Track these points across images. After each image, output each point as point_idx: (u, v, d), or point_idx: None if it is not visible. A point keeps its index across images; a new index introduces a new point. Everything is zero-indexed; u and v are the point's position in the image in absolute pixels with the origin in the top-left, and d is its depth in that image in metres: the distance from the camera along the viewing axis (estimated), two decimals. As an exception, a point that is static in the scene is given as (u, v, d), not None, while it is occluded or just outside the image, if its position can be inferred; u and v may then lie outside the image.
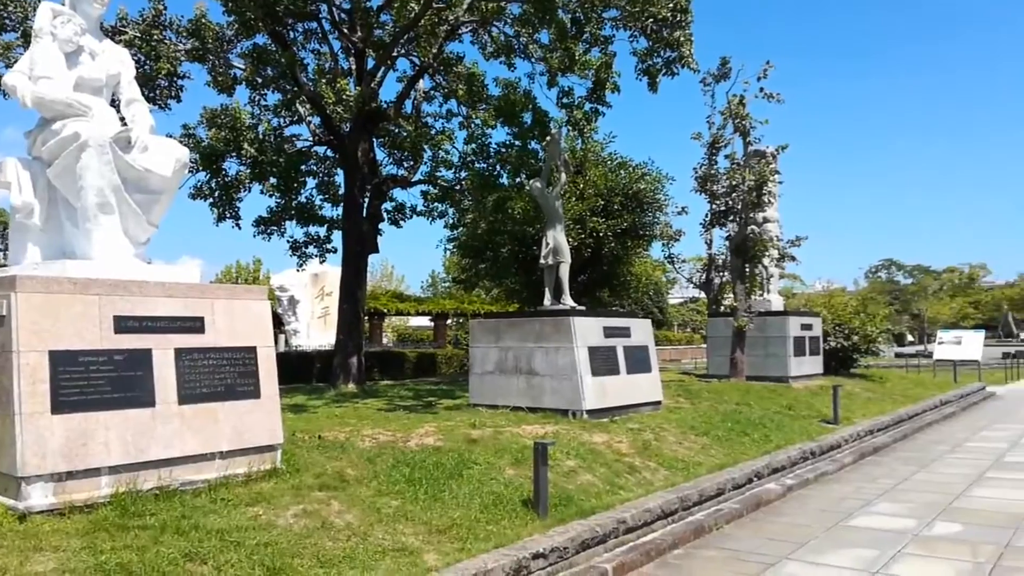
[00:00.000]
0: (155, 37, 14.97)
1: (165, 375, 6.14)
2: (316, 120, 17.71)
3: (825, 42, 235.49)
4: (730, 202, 18.65)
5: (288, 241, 18.74)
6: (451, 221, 20.08)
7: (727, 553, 6.98)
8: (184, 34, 15.43)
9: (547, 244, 12.43)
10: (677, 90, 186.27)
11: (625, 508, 7.20)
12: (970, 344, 30.10)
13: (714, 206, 19.03)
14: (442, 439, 8.58)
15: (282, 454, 7.04)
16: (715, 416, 12.32)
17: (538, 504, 6.69)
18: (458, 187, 18.59)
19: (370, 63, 17.13)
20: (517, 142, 16.87)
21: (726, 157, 18.84)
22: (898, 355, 46.30)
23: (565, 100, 16.63)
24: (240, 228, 17.98)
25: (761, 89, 17.90)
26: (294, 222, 18.46)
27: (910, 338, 74.76)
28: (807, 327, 19.36)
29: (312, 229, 18.79)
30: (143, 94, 7.72)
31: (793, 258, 20.41)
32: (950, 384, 23.83)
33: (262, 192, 17.42)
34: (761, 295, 19.99)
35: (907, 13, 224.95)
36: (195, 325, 6.45)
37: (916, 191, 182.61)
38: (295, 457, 7.24)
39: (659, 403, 12.53)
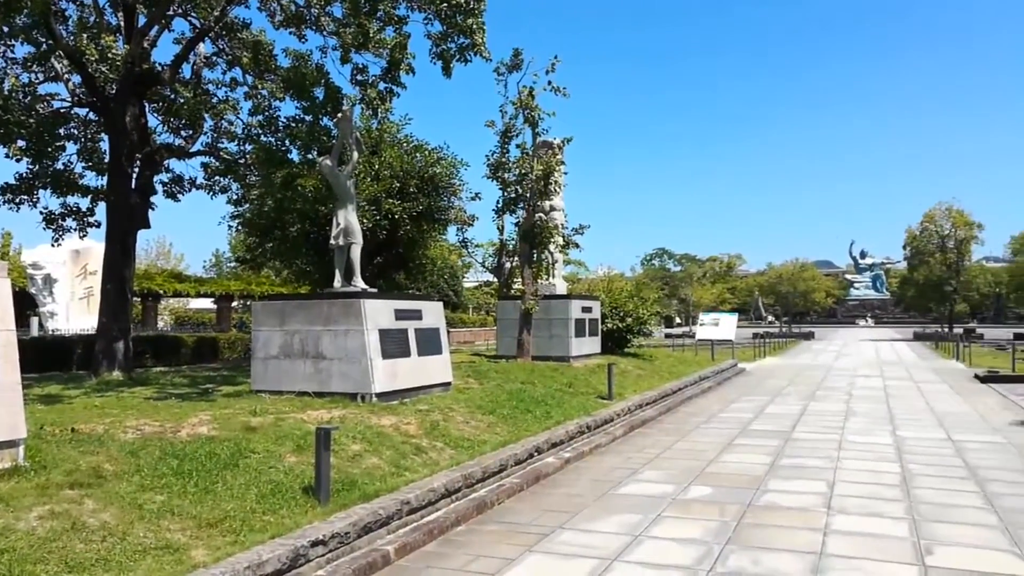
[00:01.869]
0: None
1: None
2: (76, 79, 15.82)
3: (610, 48, 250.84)
4: (520, 190, 19.32)
5: (42, 213, 16.64)
6: (235, 196, 18.90)
7: (507, 526, 7.27)
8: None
9: (338, 224, 12.11)
10: (473, 77, 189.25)
11: (410, 489, 7.24)
12: (726, 326, 33.65)
13: (505, 193, 19.63)
14: (217, 428, 8.09)
15: (25, 450, 6.27)
16: (501, 395, 12.74)
17: (319, 491, 6.53)
18: (243, 161, 17.51)
19: (142, 20, 15.59)
20: (308, 117, 16.18)
21: (517, 146, 19.48)
22: (667, 336, 50.72)
23: (359, 78, 16.20)
24: (-20, 196, 15.68)
25: (549, 82, 18.72)
26: (49, 191, 16.41)
27: (678, 320, 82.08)
28: (587, 310, 20.58)
29: (72, 200, 16.82)
30: None
31: (577, 245, 21.62)
32: (708, 362, 26.53)
33: (8, 156, 15.29)
34: (547, 279, 20.93)
35: (688, 28, 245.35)
36: (-90, 306, 5.54)
37: (687, 187, 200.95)
38: (42, 453, 6.47)
39: (449, 384, 12.73)
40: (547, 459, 9.94)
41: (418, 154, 21.25)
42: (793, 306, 78.16)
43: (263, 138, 16.80)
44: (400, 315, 11.71)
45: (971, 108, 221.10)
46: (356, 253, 12.16)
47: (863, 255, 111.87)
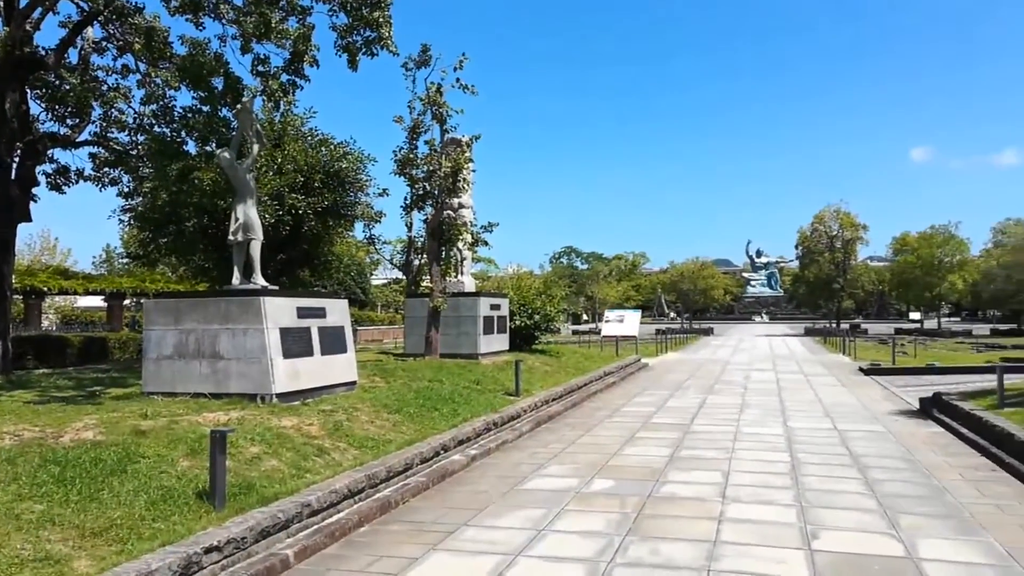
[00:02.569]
0: None
1: None
2: (-53, 61, 14.67)
3: (520, 47, 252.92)
4: (428, 187, 19.21)
5: (-95, 204, 15.34)
6: (126, 189, 17.97)
7: (411, 525, 7.21)
8: None
9: (236, 219, 11.69)
10: (381, 71, 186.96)
11: (311, 491, 7.08)
12: (630, 322, 34.46)
13: (414, 190, 19.46)
14: (104, 432, 7.67)
15: None
16: (408, 393, 12.64)
17: (215, 495, 6.31)
18: (135, 152, 16.67)
19: (24, 1, 14.60)
20: (205, 107, 15.54)
21: (426, 143, 19.35)
22: (574, 332, 51.62)
23: (260, 68, 15.66)
24: None
25: (458, 80, 18.68)
26: (-86, 181, 15.14)
27: (585, 317, 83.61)
28: (496, 307, 20.67)
29: (-59, 191, 15.58)
30: None
31: (486, 243, 21.62)
32: (613, 358, 27.13)
33: None
34: (456, 277, 20.90)
35: (596, 28, 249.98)
36: None
37: (595, 187, 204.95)
38: (-97, 465, 5.99)
39: (354, 383, 12.52)
40: (454, 457, 9.92)
41: (323, 148, 20.78)
42: (694, 303, 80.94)
43: (157, 128, 16.06)
44: (303, 313, 11.43)
45: (857, 114, 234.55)
46: (256, 249, 11.78)
47: (759, 254, 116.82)
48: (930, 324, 66.38)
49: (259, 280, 11.66)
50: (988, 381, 16.38)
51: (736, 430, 12.68)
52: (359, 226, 23.19)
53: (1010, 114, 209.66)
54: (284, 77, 15.38)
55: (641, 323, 36.77)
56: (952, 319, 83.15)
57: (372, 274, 68.07)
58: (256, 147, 12.50)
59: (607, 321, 35.58)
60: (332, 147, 20.87)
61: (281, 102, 15.76)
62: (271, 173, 18.97)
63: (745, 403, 16.43)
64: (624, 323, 34.04)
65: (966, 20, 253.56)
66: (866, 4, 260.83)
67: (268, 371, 10.37)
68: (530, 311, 22.82)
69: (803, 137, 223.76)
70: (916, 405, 15.22)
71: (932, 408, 14.14)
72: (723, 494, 8.26)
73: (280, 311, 10.90)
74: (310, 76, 15.48)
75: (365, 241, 23.58)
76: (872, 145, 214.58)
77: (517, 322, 22.35)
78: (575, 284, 78.52)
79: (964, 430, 11.69)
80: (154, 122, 16.07)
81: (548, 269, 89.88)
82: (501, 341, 20.86)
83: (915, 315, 73.36)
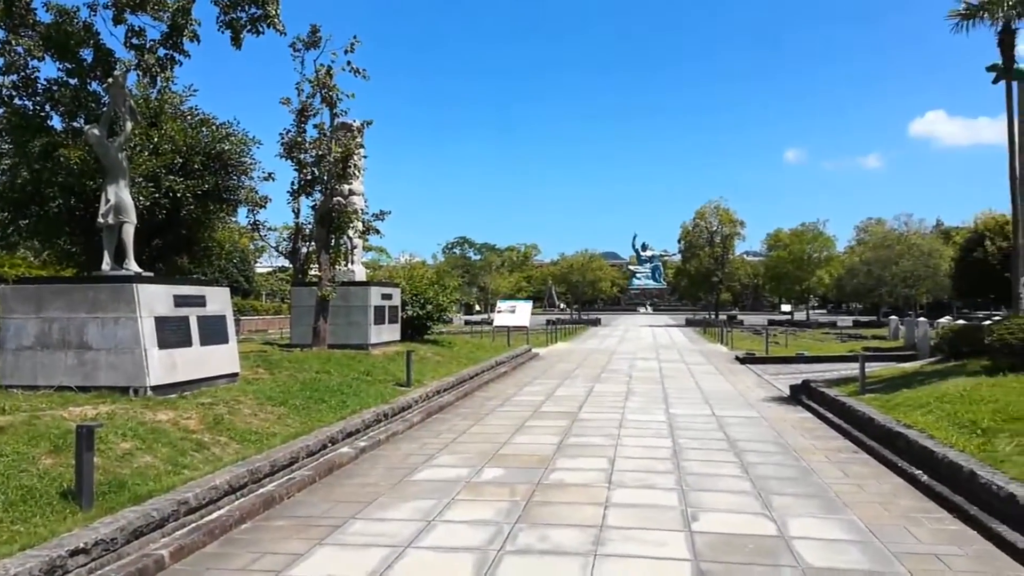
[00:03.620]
0: None
1: None
2: None
3: (415, 34, 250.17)
4: (317, 172, 18.67)
5: None
6: (-20, 167, 16.51)
7: (297, 520, 7.01)
8: None
9: (107, 201, 10.96)
10: (268, 51, 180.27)
11: (189, 488, 6.75)
12: (522, 313, 34.87)
13: (302, 175, 18.86)
14: (-47, 430, 7.04)
15: None
16: (294, 385, 12.28)
17: (81, 495, 5.91)
18: (-9, 125, 15.31)
19: None
20: (73, 80, 14.48)
21: (315, 127, 18.77)
22: (467, 323, 51.68)
23: (135, 41, 14.69)
24: None
25: (349, 63, 18.22)
26: None
27: (477, 307, 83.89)
28: (387, 297, 20.39)
29: None
30: None
31: (377, 231, 21.27)
32: (505, 347, 27.36)
33: None
34: (345, 266, 20.45)
35: (495, 17, 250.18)
36: None
37: (486, 179, 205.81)
38: None
39: (236, 375, 12.04)
40: (342, 449, 9.71)
41: (204, 128, 19.75)
42: (583, 294, 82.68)
43: (17, 101, 14.81)
44: (180, 301, 10.85)
45: (736, 115, 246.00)
46: (129, 233, 11.08)
47: (644, 247, 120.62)
48: (800, 316, 70.67)
49: (132, 266, 10.99)
50: (851, 369, 17.63)
51: (622, 417, 13.06)
52: (243, 211, 22.26)
53: (875, 120, 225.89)
54: (161, 51, 14.52)
55: (532, 313, 37.27)
56: (819, 311, 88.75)
57: (256, 262, 65.71)
58: (129, 124, 11.76)
59: (499, 311, 35.83)
60: (214, 128, 19.87)
61: (158, 78, 14.87)
62: (146, 153, 17.89)
63: (630, 391, 16.94)
64: (516, 313, 34.39)
65: (841, 24, 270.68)
66: (743, 5, 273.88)
67: (142, 362, 9.79)
68: (422, 301, 22.65)
69: (687, 135, 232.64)
70: (787, 392, 16.17)
71: (801, 394, 15.06)
72: (609, 480, 8.48)
73: (155, 299, 10.31)
74: (190, 52, 14.70)
75: (249, 227, 22.62)
76: (750, 145, 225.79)
77: (409, 312, 22.14)
78: (468, 275, 78.64)
79: (829, 415, 12.51)
80: (14, 94, 14.80)
81: (441, 259, 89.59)
82: (392, 331, 20.60)
83: (786, 307, 77.90)
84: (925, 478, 8.03)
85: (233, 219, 25.20)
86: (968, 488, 7.18)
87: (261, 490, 7.58)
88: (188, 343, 10.80)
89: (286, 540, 6.44)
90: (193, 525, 6.37)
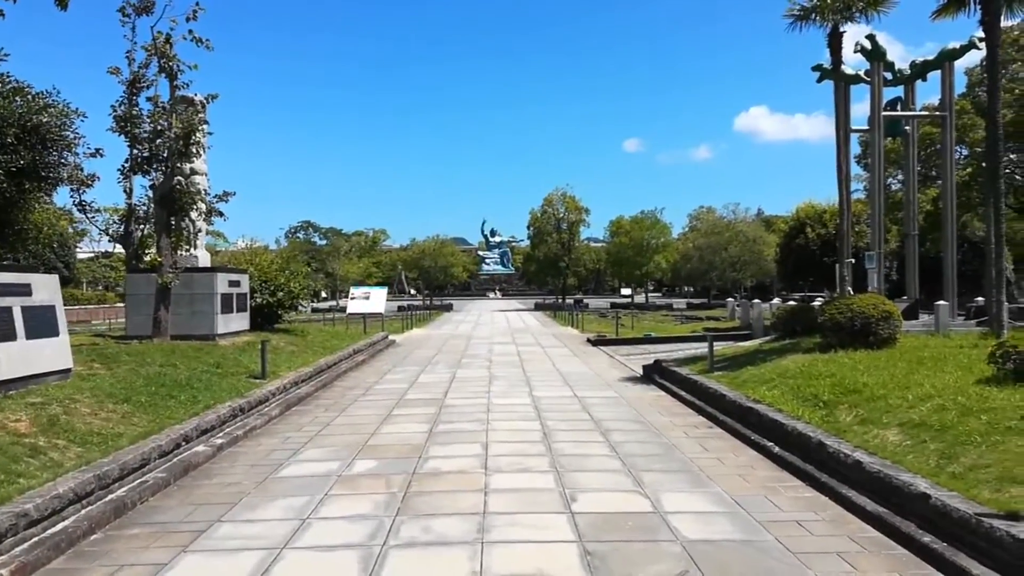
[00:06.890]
0: None
1: None
2: None
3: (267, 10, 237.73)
4: (155, 148, 17.22)
5: None
6: None
7: (155, 527, 6.43)
8: None
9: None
10: (96, 14, 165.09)
11: (27, 498, 6.00)
12: (376, 299, 34.19)
13: (136, 151, 17.31)
14: None
15: None
16: (137, 380, 11.30)
17: None
18: None
19: None
20: None
21: (149, 99, 17.27)
22: (315, 310, 50.02)
23: (-67, -7, 12.88)
24: None
25: (191, 31, 16.87)
26: None
27: (324, 294, 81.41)
28: (235, 283, 19.25)
29: None
30: None
31: (221, 213, 19.93)
32: (361, 335, 26.70)
33: None
34: (188, 251, 19.06)
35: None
36: None
37: (332, 161, 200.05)
38: None
39: (69, 371, 10.88)
40: (197, 448, 9.04)
41: (18, 98, 17.64)
42: (434, 280, 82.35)
43: None
44: (2, 290, 9.64)
45: (579, 104, 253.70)
46: (-65, 213, 9.69)
47: (493, 233, 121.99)
48: (639, 299, 74.31)
49: (-61, 250, 9.63)
50: (696, 348, 18.69)
51: (488, 402, 13.09)
52: (64, 191, 20.19)
53: (705, 113, 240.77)
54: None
55: (386, 300, 36.64)
56: (655, 294, 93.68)
57: (77, 247, 60.09)
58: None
59: (352, 298, 34.93)
60: (30, 97, 17.82)
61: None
62: (-51, 123, 15.76)
63: (492, 375, 17.04)
64: (370, 300, 33.67)
65: (682, 24, 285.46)
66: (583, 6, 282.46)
67: (-44, 360, 8.61)
68: (273, 288, 21.57)
69: (533, 123, 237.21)
70: (640, 372, 16.89)
71: (654, 374, 15.78)
72: (485, 465, 8.45)
73: (-29, 288, 9.09)
74: (4, 11, 13.05)
75: (75, 207, 20.53)
76: (592, 134, 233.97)
77: (259, 300, 21.01)
78: (315, 260, 76.00)
79: (683, 392, 13.18)
80: None
81: (284, 244, 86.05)
82: (241, 320, 19.48)
83: (626, 291, 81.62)
84: (777, 449, 8.62)
85: (52, 200, 22.84)
86: (817, 457, 7.78)
87: (111, 496, 6.88)
88: (12, 337, 9.61)
89: (144, 549, 5.89)
90: (36, 539, 5.67)
